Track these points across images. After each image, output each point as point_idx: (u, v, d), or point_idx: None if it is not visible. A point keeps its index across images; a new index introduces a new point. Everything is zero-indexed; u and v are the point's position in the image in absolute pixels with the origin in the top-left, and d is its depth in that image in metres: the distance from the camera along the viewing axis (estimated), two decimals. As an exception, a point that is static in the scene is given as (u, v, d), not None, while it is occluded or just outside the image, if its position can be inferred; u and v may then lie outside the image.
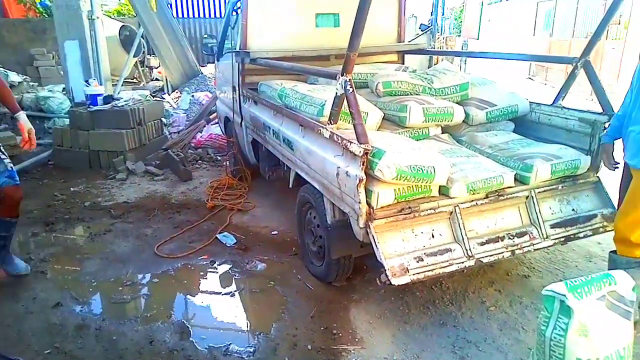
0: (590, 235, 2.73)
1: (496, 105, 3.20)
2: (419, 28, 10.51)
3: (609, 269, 2.67)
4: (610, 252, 2.58)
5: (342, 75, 2.31)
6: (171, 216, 4.14)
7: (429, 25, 10.51)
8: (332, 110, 2.50)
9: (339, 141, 2.38)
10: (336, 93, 2.40)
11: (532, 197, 2.64)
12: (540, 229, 2.61)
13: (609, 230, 2.71)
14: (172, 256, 3.41)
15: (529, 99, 3.27)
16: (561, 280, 3.02)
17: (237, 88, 4.31)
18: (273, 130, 3.43)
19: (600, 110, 2.77)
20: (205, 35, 5.72)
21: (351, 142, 2.26)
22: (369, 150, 2.19)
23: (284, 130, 3.21)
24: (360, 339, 2.45)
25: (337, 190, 2.48)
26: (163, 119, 6.47)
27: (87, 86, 5.74)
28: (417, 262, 2.31)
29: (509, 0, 16.52)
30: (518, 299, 2.79)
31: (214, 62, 5.49)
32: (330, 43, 4.24)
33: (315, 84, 3.71)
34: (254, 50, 4.03)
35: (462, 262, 2.39)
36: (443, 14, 24.78)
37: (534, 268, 3.15)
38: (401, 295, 2.83)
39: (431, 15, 10.86)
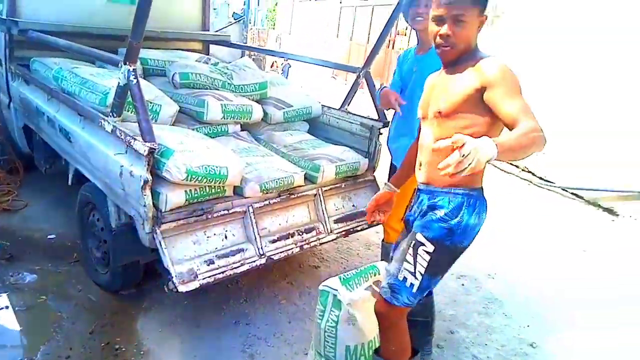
0: (367, 228, 3.08)
1: (292, 106, 3.34)
2: (232, 16, 10.40)
3: (381, 256, 3.07)
4: (382, 240, 2.95)
5: (124, 64, 2.09)
6: None
7: (242, 15, 10.49)
8: (115, 102, 2.24)
9: (123, 137, 2.15)
10: (119, 83, 2.16)
11: (320, 195, 2.83)
12: (326, 224, 2.83)
13: (381, 223, 3.09)
14: None
15: (321, 102, 3.51)
16: (345, 268, 3.37)
17: (3, 62, 3.57)
18: (48, 117, 2.93)
19: (377, 118, 3.12)
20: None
21: (135, 139, 2.07)
22: (154, 149, 2.03)
23: (61, 118, 2.78)
24: (146, 351, 2.28)
25: (121, 191, 2.25)
26: None
27: None
28: (208, 265, 2.25)
29: (317, 0, 17.64)
30: (307, 290, 2.99)
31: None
32: (126, 22, 3.78)
33: (104, 67, 3.31)
34: (26, 19, 3.39)
35: (254, 261, 2.43)
36: (258, 4, 25.04)
37: (323, 258, 3.42)
38: (195, 297, 2.73)
39: (244, 5, 10.87)
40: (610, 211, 4.71)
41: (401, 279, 1.70)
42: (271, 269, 3.14)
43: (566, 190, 5.17)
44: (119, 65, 2.12)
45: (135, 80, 2.08)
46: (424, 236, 1.66)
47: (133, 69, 2.08)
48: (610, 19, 4.82)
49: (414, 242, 1.69)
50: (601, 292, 3.29)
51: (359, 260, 3.44)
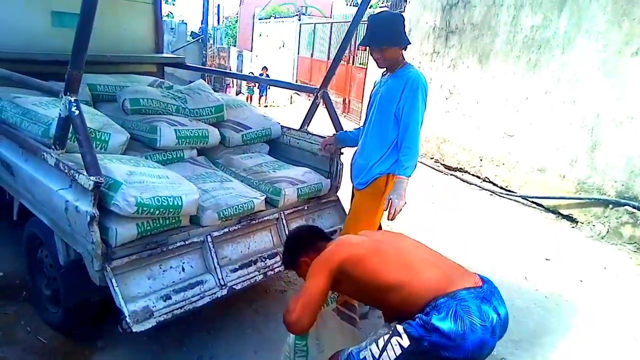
0: (333, 249, 3.02)
1: (251, 128, 3.28)
2: (190, 35, 10.31)
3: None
4: None
5: (65, 95, 1.97)
6: None
7: (200, 33, 10.40)
8: (57, 134, 2.12)
9: (66, 171, 2.03)
10: (59, 114, 2.04)
11: (282, 218, 2.77)
12: (290, 248, 2.75)
13: None
14: None
15: (280, 122, 3.46)
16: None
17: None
18: (-12, 149, 2.76)
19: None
20: None
21: (79, 173, 1.95)
22: (100, 182, 1.92)
23: (2, 150, 2.61)
24: (100, 397, 2.14)
25: (68, 227, 2.12)
26: None
27: None
28: (165, 300, 2.14)
29: (277, 18, 17.74)
30: (274, 316, 2.89)
31: None
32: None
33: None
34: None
35: (215, 293, 2.33)
36: (219, 23, 24.99)
37: (290, 281, 3.33)
38: (156, 332, 2.59)
39: (201, 24, 10.77)
40: (569, 218, 4.83)
41: (361, 357, 1.57)
42: (236, 296, 3.03)
43: (527, 199, 5.28)
44: (60, 96, 2.01)
45: (77, 112, 1.97)
46: (404, 328, 1.52)
47: (75, 100, 1.96)
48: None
49: (393, 329, 1.55)
50: (568, 302, 3.33)
51: (326, 282, 3.37)
